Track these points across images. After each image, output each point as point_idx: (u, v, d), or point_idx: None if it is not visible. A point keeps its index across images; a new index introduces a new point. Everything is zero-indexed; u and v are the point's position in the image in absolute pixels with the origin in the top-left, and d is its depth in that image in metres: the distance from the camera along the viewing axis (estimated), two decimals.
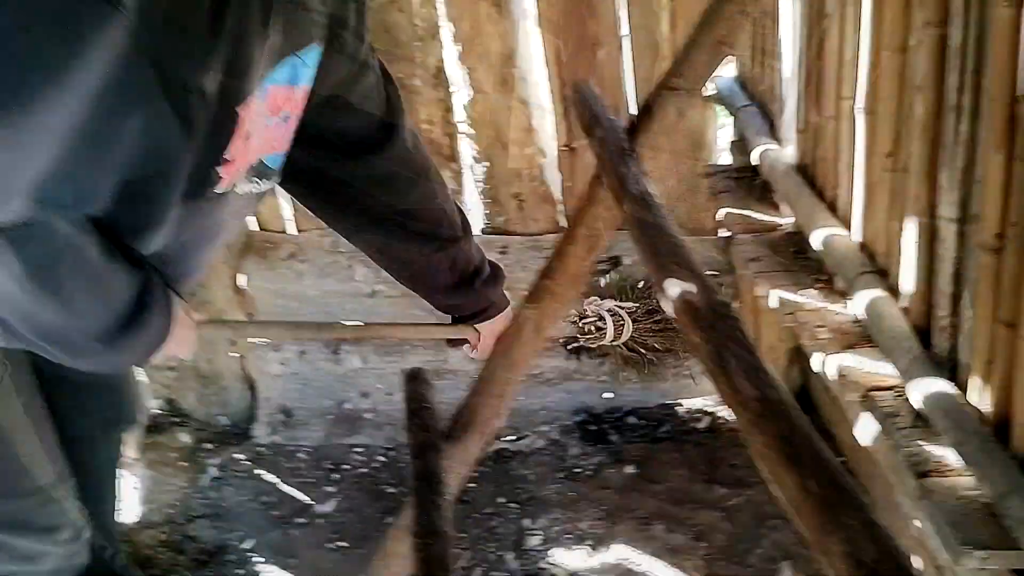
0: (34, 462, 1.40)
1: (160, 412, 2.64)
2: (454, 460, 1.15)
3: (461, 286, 1.53)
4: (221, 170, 1.12)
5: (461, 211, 1.56)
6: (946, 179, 1.33)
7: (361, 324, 1.80)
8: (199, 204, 1.13)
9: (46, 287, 1.04)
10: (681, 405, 2.64)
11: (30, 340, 1.12)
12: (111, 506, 1.84)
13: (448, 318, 1.63)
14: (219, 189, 1.13)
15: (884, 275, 1.60)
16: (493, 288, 1.58)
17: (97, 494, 1.67)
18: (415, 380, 1.21)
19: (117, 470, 1.85)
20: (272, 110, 1.16)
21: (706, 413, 2.62)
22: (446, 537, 1.01)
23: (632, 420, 2.63)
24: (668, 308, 0.71)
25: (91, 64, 0.85)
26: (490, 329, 1.53)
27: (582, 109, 1.09)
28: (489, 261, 1.60)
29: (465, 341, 1.58)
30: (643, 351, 2.40)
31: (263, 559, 2.24)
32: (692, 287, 0.69)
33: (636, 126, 1.04)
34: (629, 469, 2.44)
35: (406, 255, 1.51)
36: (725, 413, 2.62)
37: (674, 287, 0.70)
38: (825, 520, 0.46)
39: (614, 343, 2.24)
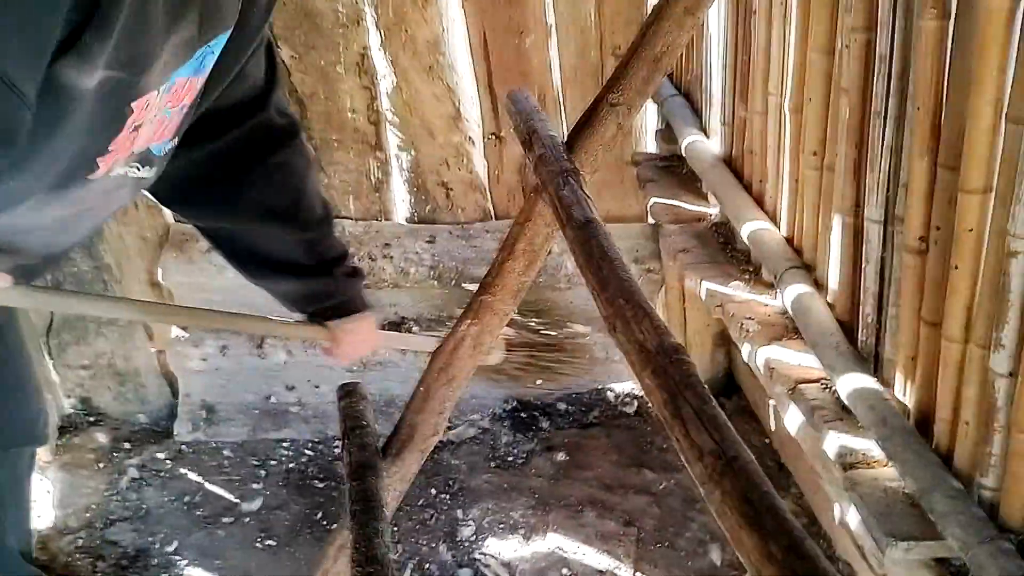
0: None
1: (75, 411, 2.53)
2: (393, 478, 1.13)
3: (318, 272, 1.45)
4: (100, 160, 1.07)
5: (324, 200, 1.48)
6: (872, 181, 1.36)
7: (217, 312, 1.61)
8: (72, 189, 1.09)
9: None
10: (612, 390, 2.66)
11: None
12: (21, 525, 1.75)
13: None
14: (92, 177, 1.09)
15: (810, 270, 1.64)
16: (352, 281, 1.50)
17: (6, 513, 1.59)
18: (351, 395, 1.18)
19: (24, 491, 1.77)
20: (174, 102, 1.11)
21: (635, 397, 2.65)
22: (386, 562, 0.99)
23: (562, 406, 2.64)
24: (619, 346, 0.70)
25: None
26: (350, 329, 1.46)
27: (519, 121, 1.07)
28: (352, 262, 1.54)
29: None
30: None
31: (188, 561, 2.18)
32: (643, 326, 0.68)
33: (575, 142, 1.02)
34: (560, 456, 2.46)
35: (264, 237, 1.43)
36: None
37: (624, 326, 0.69)
38: None
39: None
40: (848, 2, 1.36)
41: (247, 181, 1.36)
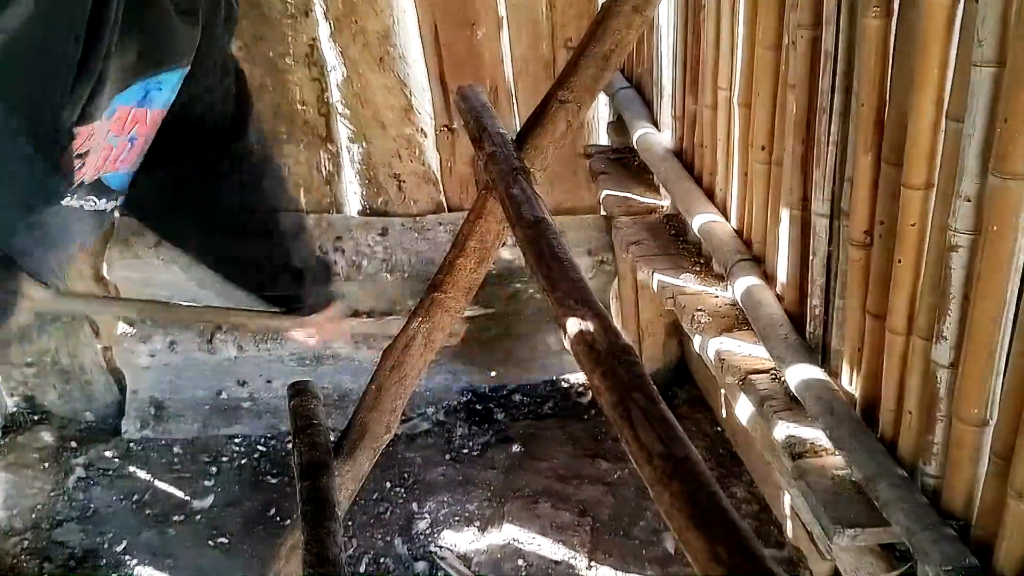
0: None
1: (18, 410, 2.47)
2: (345, 477, 1.13)
3: (292, 278, 1.54)
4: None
5: (296, 214, 1.58)
6: (818, 176, 1.37)
7: (196, 305, 1.71)
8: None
9: None
10: (566, 381, 2.68)
11: None
12: None
13: None
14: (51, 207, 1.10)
15: (760, 262, 1.66)
16: (322, 278, 1.62)
17: None
18: (301, 394, 1.17)
19: None
20: (118, 130, 1.12)
21: (589, 388, 2.66)
22: (339, 562, 0.98)
23: (517, 398, 2.65)
24: (568, 346, 0.70)
25: None
26: (323, 318, 1.55)
27: (469, 118, 1.06)
28: (317, 256, 1.62)
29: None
30: None
31: (138, 561, 2.15)
32: (592, 327, 0.68)
33: (525, 140, 1.02)
34: (515, 448, 2.47)
35: (239, 251, 1.51)
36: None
37: (574, 326, 0.69)
38: None
39: None
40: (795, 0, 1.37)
41: (225, 201, 1.43)
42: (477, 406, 2.63)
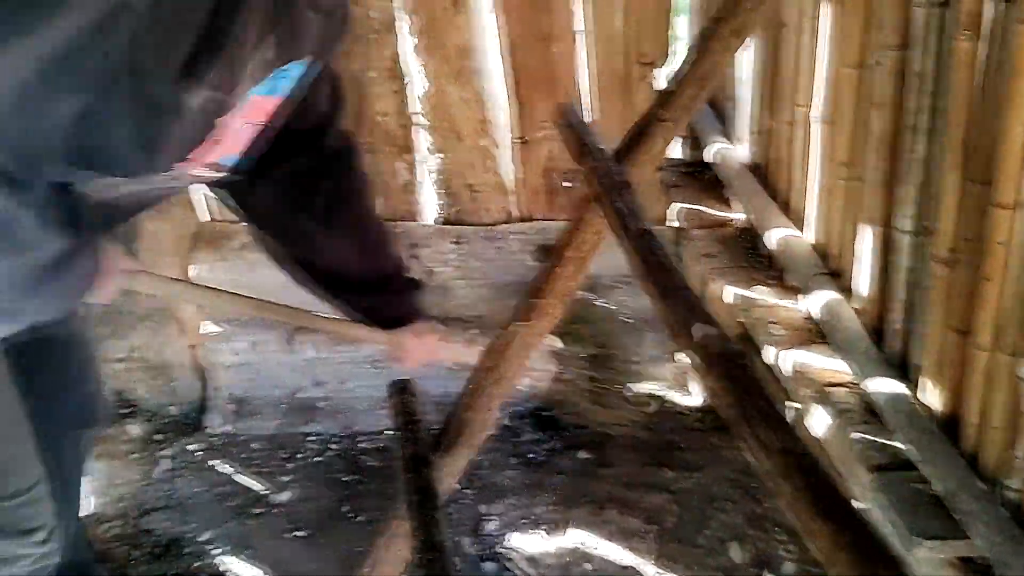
0: (20, 463, 1.38)
1: (109, 403, 2.58)
2: (443, 472, 1.18)
3: (377, 285, 1.54)
4: (178, 165, 1.14)
5: (381, 219, 1.61)
6: (902, 193, 1.40)
7: (295, 308, 1.67)
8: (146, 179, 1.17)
9: None
10: (630, 390, 2.71)
11: None
12: (76, 507, 1.81)
13: None
14: (161, 175, 1.16)
15: (837, 277, 1.69)
16: (409, 293, 1.60)
17: (64, 496, 1.64)
18: (402, 392, 1.23)
19: (83, 472, 1.83)
20: (247, 118, 1.18)
21: (654, 397, 2.70)
22: (446, 551, 1.04)
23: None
24: (682, 351, 0.75)
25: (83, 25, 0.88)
26: (409, 336, 1.54)
27: (569, 135, 1.12)
28: (405, 268, 1.63)
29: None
30: None
31: (220, 551, 2.23)
32: (704, 333, 0.73)
33: (624, 156, 1.07)
34: (581, 454, 2.50)
35: (327, 253, 1.52)
36: (674, 397, 2.71)
37: (685, 332, 0.74)
38: (862, 573, 0.51)
39: None
40: (880, 20, 1.40)
41: (314, 202, 1.46)
42: (544, 412, 2.67)
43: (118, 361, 2.53)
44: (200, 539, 2.25)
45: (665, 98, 1.04)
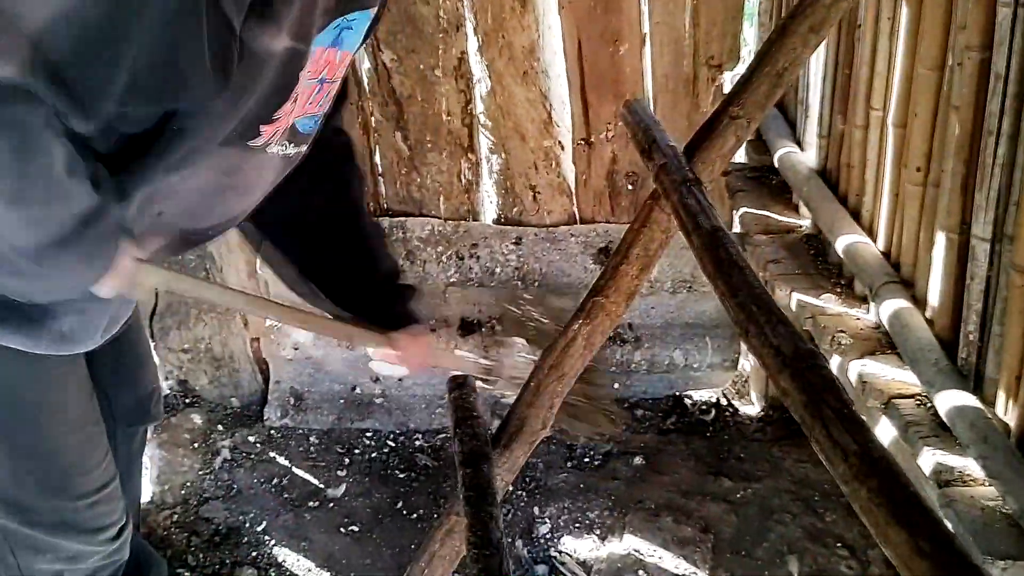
0: (96, 462, 1.40)
1: (172, 393, 2.64)
2: (501, 468, 1.18)
3: (374, 286, 1.51)
4: (265, 127, 1.13)
5: (376, 221, 1.56)
6: (981, 199, 1.36)
7: (295, 308, 1.57)
8: (232, 154, 1.15)
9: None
10: (690, 397, 2.68)
11: None
12: (134, 500, 1.85)
13: None
14: (255, 143, 1.15)
15: (908, 285, 1.64)
16: (405, 296, 1.56)
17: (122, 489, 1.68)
18: (461, 387, 1.23)
19: (140, 466, 1.86)
20: (314, 72, 1.16)
21: (713, 406, 2.66)
22: (502, 547, 1.03)
23: (640, 412, 2.66)
24: (751, 350, 0.73)
25: None
26: (408, 339, 1.49)
27: (637, 131, 1.10)
28: (400, 273, 1.60)
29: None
30: None
31: (276, 542, 2.26)
32: (777, 332, 0.71)
33: (694, 153, 1.06)
34: (637, 460, 2.48)
35: (322, 251, 1.49)
36: (734, 405, 2.66)
37: (757, 331, 0.72)
38: None
39: None
40: (963, 20, 1.36)
41: (310, 193, 1.42)
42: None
43: (183, 352, 2.58)
44: (257, 529, 2.29)
45: (738, 94, 1.02)
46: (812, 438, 0.63)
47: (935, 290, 1.52)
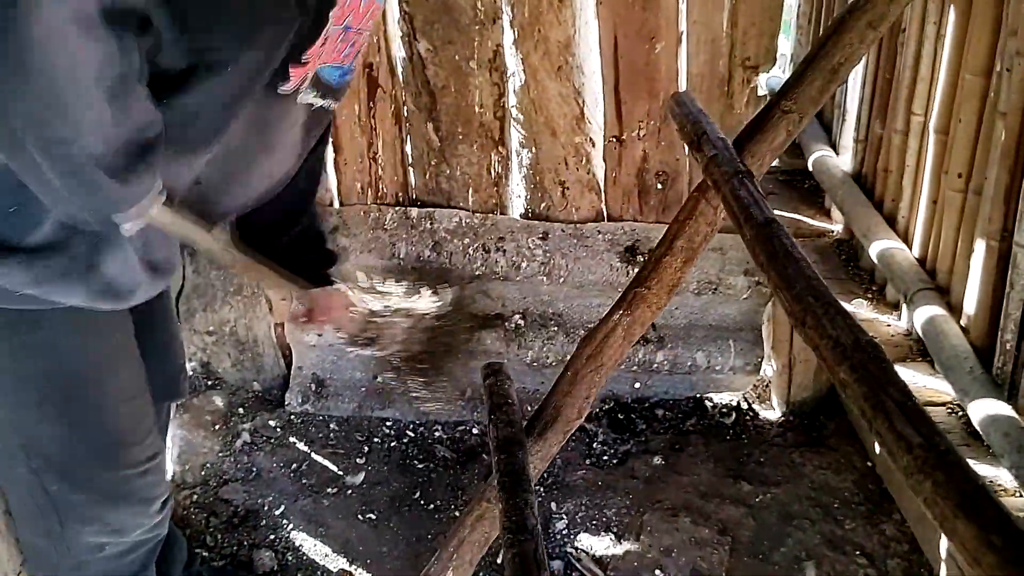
0: (145, 433, 1.41)
1: (195, 374, 2.65)
2: (534, 456, 1.18)
3: (302, 236, 1.55)
4: (293, 70, 1.14)
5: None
6: None
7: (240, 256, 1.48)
8: (265, 104, 1.16)
9: (101, 86, 0.99)
10: (710, 400, 2.67)
11: (27, 154, 1.03)
12: None
13: None
14: (285, 88, 1.16)
15: (943, 292, 1.63)
16: (330, 257, 1.63)
17: None
18: (496, 374, 1.23)
19: (166, 442, 1.87)
20: (339, 17, 1.17)
21: (734, 409, 2.65)
22: (537, 533, 1.03)
23: (660, 412, 2.65)
24: (807, 342, 0.73)
25: None
26: (326, 294, 1.56)
27: (686, 123, 1.10)
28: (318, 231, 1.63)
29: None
30: None
31: (293, 526, 2.26)
32: (835, 323, 0.70)
33: (743, 146, 1.05)
34: (656, 460, 2.47)
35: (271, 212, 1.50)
36: (755, 410, 2.65)
37: (815, 323, 0.71)
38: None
39: None
40: (1013, 25, 1.35)
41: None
42: (619, 415, 2.65)
43: (208, 334, 2.59)
44: (275, 512, 2.30)
45: (791, 88, 1.01)
46: (873, 430, 0.62)
47: (972, 298, 1.51)
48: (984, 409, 1.42)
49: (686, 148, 2.47)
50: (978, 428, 1.42)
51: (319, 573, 2.14)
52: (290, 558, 2.18)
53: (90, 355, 1.28)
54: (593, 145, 2.52)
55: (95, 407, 1.31)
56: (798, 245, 0.83)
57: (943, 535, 0.53)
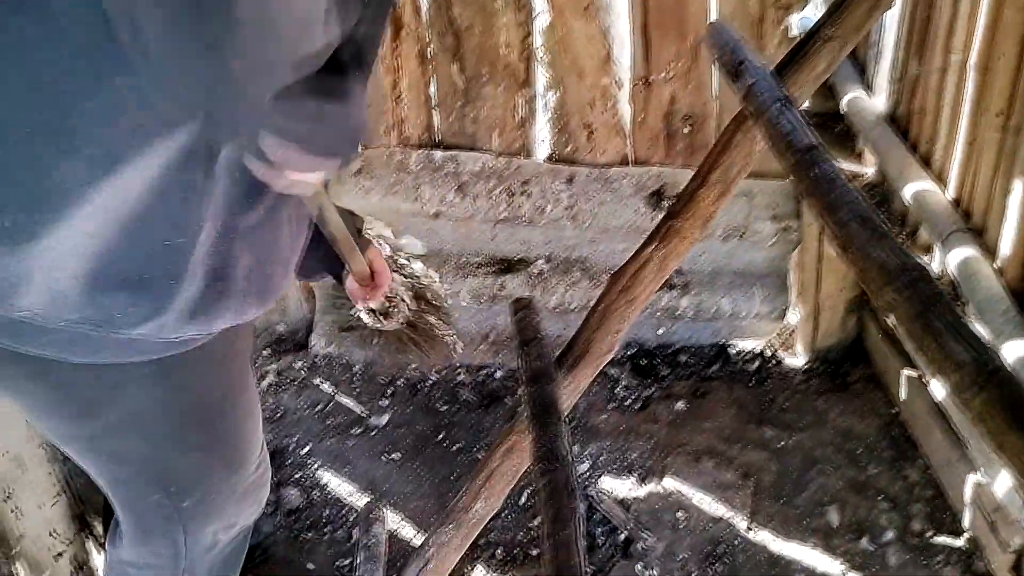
0: (259, 426, 1.38)
1: None
2: (565, 390, 1.18)
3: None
4: None
5: None
6: None
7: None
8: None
9: None
10: (734, 347, 2.66)
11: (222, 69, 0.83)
12: None
13: None
14: None
15: (979, 234, 1.60)
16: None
17: None
18: (525, 309, 1.22)
19: None
20: None
21: (757, 356, 2.64)
22: (568, 462, 1.04)
23: (683, 358, 2.65)
24: (850, 266, 0.72)
25: None
26: (378, 258, 1.42)
27: (724, 52, 1.07)
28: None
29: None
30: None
31: (319, 465, 2.30)
32: (882, 245, 0.69)
33: (783, 75, 1.02)
34: (679, 405, 2.48)
35: None
36: (779, 357, 2.64)
37: (862, 245, 0.70)
38: None
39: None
40: None
41: None
42: (642, 360, 2.65)
43: None
44: (301, 452, 2.33)
45: (835, 14, 0.98)
46: (921, 350, 0.62)
47: (1008, 239, 1.49)
48: (1018, 351, 1.40)
49: (714, 91, 2.43)
50: (1012, 370, 1.41)
51: (345, 510, 2.17)
52: (316, 495, 2.21)
53: (224, 382, 1.24)
54: (620, 87, 2.48)
55: (230, 428, 1.28)
56: (841, 170, 0.81)
57: (993, 452, 0.53)
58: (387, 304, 1.56)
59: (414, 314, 1.60)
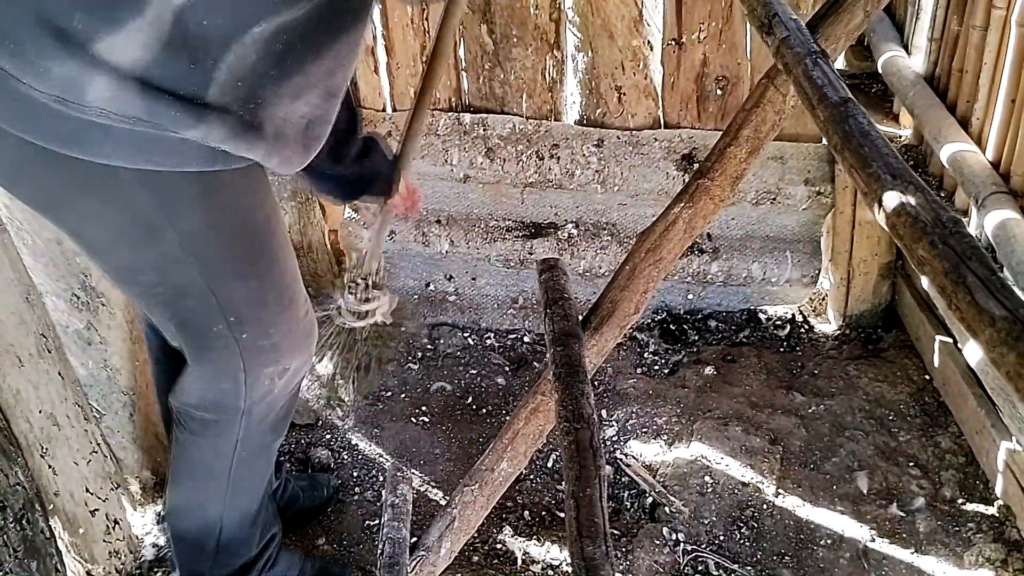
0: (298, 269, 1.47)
1: None
2: (591, 350, 1.17)
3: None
4: None
5: None
6: None
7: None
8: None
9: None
10: (764, 312, 2.64)
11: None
12: None
13: None
14: None
15: (1018, 196, 1.56)
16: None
17: None
18: (551, 269, 1.22)
19: None
20: None
21: (788, 322, 2.61)
22: (592, 422, 1.03)
23: (712, 323, 2.63)
24: (884, 222, 0.70)
25: None
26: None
27: (756, 5, 1.05)
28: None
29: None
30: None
31: (349, 428, 2.32)
32: (914, 199, 0.67)
33: (816, 29, 1.00)
34: (707, 370, 2.46)
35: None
36: (810, 322, 2.61)
37: (893, 200, 0.68)
38: None
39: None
40: None
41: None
42: (671, 326, 2.64)
43: None
44: (331, 414, 2.35)
45: None
46: (953, 306, 0.60)
47: None
48: None
49: (748, 52, 2.39)
50: None
51: (374, 470, 2.20)
52: (346, 457, 2.24)
53: (265, 209, 1.33)
54: (651, 49, 2.44)
55: (275, 258, 1.37)
56: (874, 123, 0.79)
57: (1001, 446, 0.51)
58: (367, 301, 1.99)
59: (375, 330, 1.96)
